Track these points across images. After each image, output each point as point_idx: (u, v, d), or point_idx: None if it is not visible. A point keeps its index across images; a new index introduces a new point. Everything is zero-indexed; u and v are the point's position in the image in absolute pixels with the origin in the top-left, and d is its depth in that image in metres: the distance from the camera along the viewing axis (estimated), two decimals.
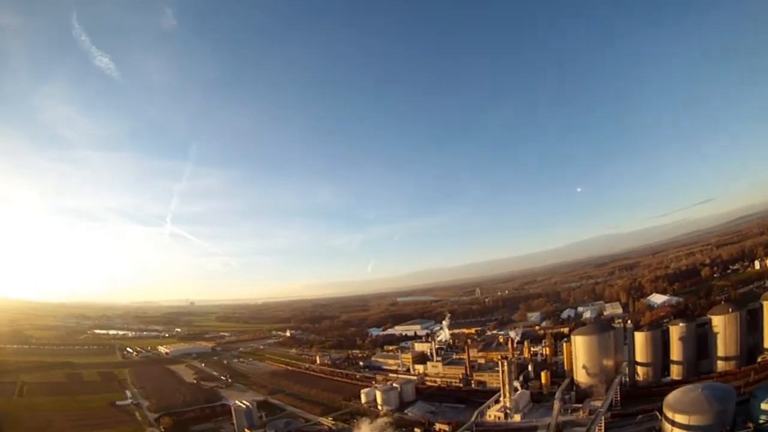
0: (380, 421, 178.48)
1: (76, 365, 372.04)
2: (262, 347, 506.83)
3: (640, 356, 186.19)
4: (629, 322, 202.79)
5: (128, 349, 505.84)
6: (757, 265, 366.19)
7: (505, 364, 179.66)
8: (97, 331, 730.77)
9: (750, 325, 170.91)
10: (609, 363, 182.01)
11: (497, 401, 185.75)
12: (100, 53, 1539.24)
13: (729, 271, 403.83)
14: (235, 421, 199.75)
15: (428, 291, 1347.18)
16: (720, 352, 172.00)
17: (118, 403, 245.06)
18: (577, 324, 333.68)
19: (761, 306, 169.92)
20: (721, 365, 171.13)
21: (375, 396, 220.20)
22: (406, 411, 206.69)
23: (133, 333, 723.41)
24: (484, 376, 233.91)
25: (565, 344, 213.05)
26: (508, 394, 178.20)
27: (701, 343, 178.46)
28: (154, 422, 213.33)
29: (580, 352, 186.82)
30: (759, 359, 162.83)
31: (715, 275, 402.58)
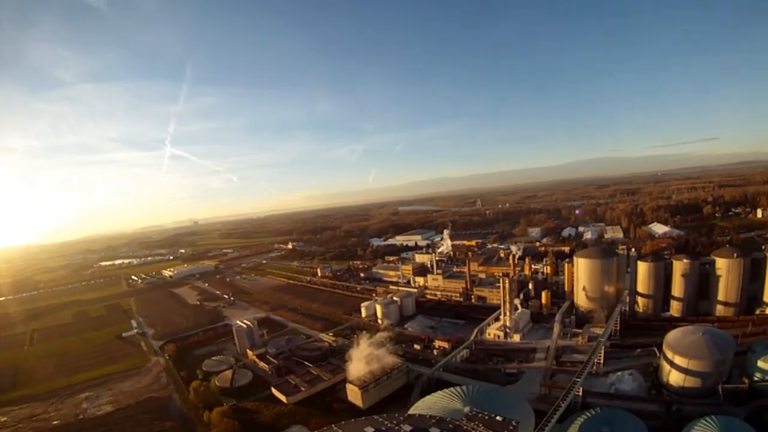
0: (379, 336, 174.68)
1: (82, 302, 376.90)
2: (264, 262, 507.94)
3: (641, 287, 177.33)
4: (633, 249, 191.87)
5: (133, 277, 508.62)
6: (759, 213, 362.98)
7: (507, 281, 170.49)
8: (103, 263, 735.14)
9: (752, 275, 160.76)
10: (610, 289, 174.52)
11: (497, 319, 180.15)
12: None
13: (731, 214, 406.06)
14: (236, 341, 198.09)
15: (429, 201, 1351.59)
16: (720, 296, 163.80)
17: (123, 335, 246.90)
18: (579, 244, 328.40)
19: (765, 258, 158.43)
20: (720, 310, 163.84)
21: (375, 310, 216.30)
22: (405, 325, 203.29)
23: (138, 260, 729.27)
24: (485, 292, 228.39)
25: (566, 265, 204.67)
26: (508, 313, 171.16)
27: (702, 283, 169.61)
28: (158, 350, 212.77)
29: (582, 274, 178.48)
30: (757, 311, 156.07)
31: (716, 214, 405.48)
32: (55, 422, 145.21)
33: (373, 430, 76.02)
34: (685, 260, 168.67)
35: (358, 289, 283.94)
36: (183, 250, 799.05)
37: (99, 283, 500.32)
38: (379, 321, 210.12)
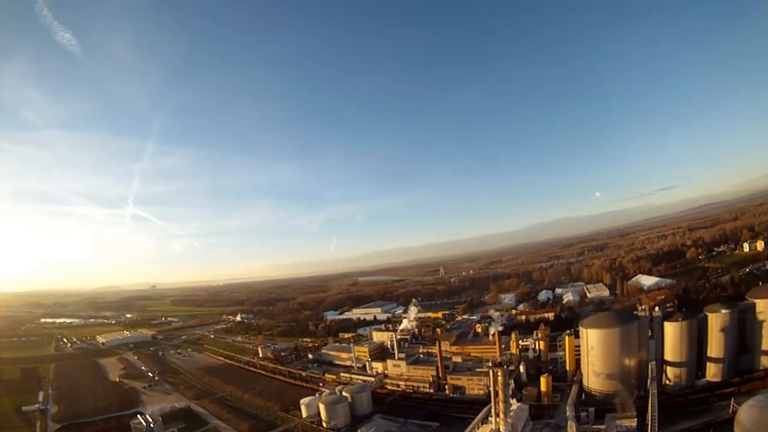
0: None
1: (3, 361, 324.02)
2: (212, 336, 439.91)
3: (670, 353, 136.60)
4: (656, 309, 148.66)
5: (64, 339, 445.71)
6: (746, 247, 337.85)
7: (500, 373, 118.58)
8: (45, 320, 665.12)
9: None
10: (631, 363, 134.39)
11: (485, 420, 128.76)
12: (62, 28, 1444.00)
13: (714, 253, 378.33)
14: None
15: (390, 271, 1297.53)
16: (764, 345, 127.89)
17: (23, 408, 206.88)
18: (563, 308, 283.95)
19: None
20: (764, 361, 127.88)
21: (318, 409, 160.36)
22: (358, 430, 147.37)
23: (79, 321, 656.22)
24: (462, 380, 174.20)
25: (567, 338, 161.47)
26: (502, 414, 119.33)
27: (740, 334, 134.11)
28: None
29: (594, 349, 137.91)
30: None
31: (700, 257, 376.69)
32: None
33: None
34: (723, 310, 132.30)
35: (303, 375, 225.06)
36: (130, 315, 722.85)
37: (30, 341, 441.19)
38: (324, 423, 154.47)
